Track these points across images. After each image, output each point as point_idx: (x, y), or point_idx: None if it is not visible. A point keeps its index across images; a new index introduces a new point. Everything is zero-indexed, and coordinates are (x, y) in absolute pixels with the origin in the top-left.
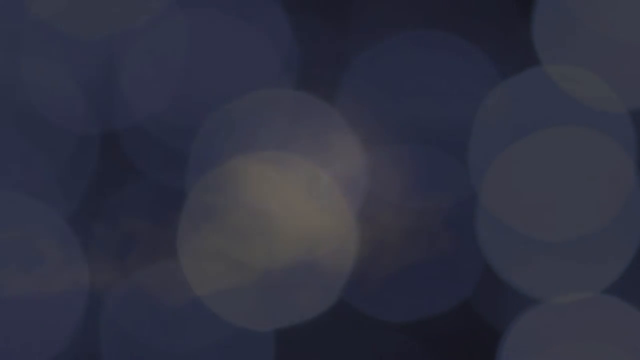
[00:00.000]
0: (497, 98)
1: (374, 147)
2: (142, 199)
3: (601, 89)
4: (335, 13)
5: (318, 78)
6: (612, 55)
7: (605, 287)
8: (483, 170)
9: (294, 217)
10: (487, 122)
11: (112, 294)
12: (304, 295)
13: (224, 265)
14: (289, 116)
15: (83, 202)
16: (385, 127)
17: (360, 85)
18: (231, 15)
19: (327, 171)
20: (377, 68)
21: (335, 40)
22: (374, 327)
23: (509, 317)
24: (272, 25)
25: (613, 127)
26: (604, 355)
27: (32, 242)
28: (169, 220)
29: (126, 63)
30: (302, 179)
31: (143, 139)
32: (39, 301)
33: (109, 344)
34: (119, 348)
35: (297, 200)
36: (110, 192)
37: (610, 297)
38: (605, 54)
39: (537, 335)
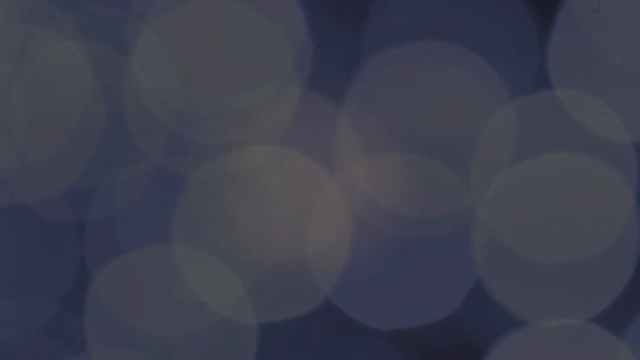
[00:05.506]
0: (505, 117)
1: (377, 152)
2: (141, 181)
3: (609, 118)
4: (350, 16)
5: (328, 78)
6: (623, 86)
7: (592, 315)
8: (483, 187)
9: (289, 214)
10: (493, 139)
11: (102, 274)
12: (291, 292)
13: (216, 255)
14: (295, 113)
15: (82, 179)
16: (389, 133)
17: (369, 89)
18: (247, 9)
19: (326, 171)
20: (388, 74)
21: (348, 43)
22: (357, 331)
23: (494, 335)
24: (287, 22)
25: (616, 157)
26: None
27: (28, 214)
28: (165, 204)
29: (139, 50)
30: (301, 177)
31: (149, 122)
32: (30, 273)
33: (96, 325)
34: (105, 330)
35: (294, 198)
36: (110, 171)
37: (595, 325)
38: (617, 85)
39: (520, 357)
